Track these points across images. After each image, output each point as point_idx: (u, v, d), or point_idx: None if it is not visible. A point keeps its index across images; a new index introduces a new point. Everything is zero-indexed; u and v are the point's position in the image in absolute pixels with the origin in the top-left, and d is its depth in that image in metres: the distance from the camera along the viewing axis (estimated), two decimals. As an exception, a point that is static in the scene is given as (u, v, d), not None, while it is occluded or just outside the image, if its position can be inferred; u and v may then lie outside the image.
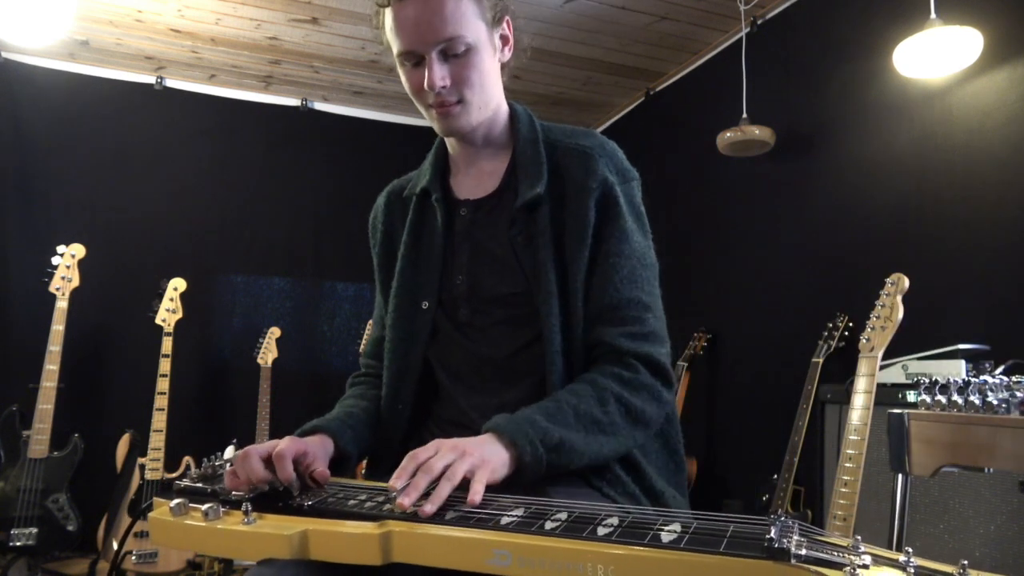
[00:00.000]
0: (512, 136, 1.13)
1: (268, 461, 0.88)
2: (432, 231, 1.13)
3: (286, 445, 0.89)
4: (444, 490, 0.75)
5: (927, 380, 1.13)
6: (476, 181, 1.13)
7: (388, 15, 1.01)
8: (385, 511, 0.75)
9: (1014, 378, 1.06)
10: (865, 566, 0.52)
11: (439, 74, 1.00)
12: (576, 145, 1.08)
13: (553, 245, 1.03)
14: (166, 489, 2.83)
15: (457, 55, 1.00)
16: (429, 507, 0.73)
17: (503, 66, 1.11)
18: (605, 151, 1.08)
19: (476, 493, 0.76)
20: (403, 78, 1.05)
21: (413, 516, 0.73)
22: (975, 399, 1.06)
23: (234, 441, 2.96)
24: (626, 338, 1.00)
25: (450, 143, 1.16)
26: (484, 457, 0.82)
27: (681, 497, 1.06)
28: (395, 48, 1.02)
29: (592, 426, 0.92)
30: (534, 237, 1.04)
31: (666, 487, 1.03)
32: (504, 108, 1.13)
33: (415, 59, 1.01)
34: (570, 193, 1.04)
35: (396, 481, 0.77)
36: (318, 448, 0.97)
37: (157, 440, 2.86)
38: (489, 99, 1.06)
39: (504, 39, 1.09)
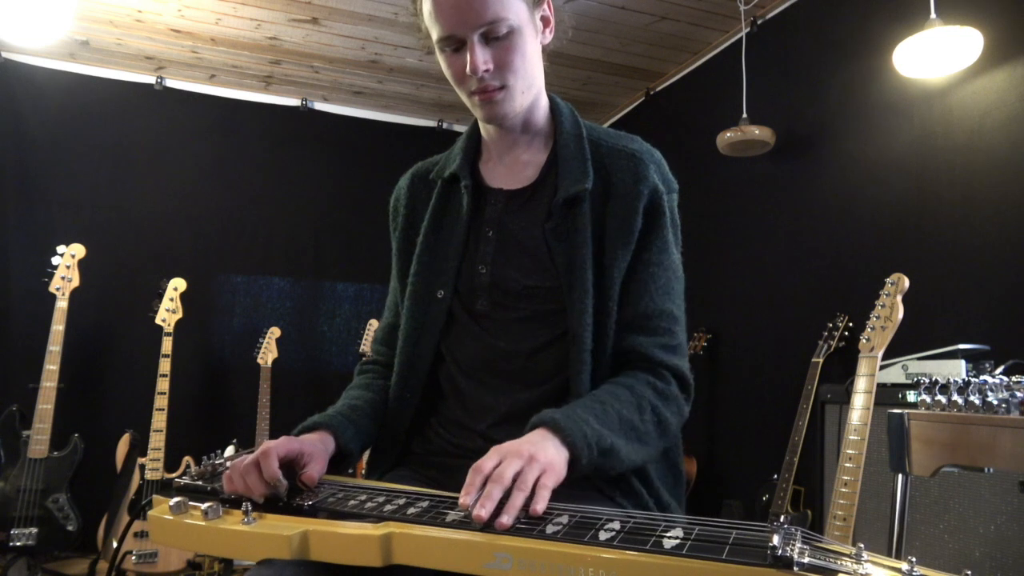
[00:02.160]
0: (553, 128, 1.10)
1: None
2: (456, 218, 1.10)
3: (276, 443, 0.88)
4: (518, 500, 0.72)
5: (927, 380, 1.13)
6: (510, 170, 1.10)
7: (426, 0, 0.98)
8: (416, 517, 0.73)
9: (1014, 378, 1.06)
10: (868, 574, 0.51)
11: (481, 58, 0.96)
12: (624, 147, 1.06)
13: (592, 243, 1.00)
14: (166, 488, 2.82)
15: (499, 38, 0.97)
16: (506, 519, 0.69)
17: (543, 49, 1.08)
18: (653, 158, 1.06)
19: (542, 500, 0.73)
20: (444, 65, 1.02)
21: (418, 517, 0.72)
22: (975, 399, 1.06)
23: (234, 441, 2.97)
24: (659, 349, 1.00)
25: (486, 129, 1.12)
26: (550, 461, 0.79)
27: (680, 509, 1.05)
28: (435, 34, 0.99)
29: (631, 433, 0.92)
30: (571, 233, 1.01)
31: (671, 500, 1.03)
32: (545, 96, 1.10)
33: (456, 44, 0.98)
34: (616, 195, 1.02)
35: (466, 497, 0.73)
36: (317, 446, 0.95)
37: (157, 440, 2.86)
38: (532, 83, 1.04)
39: (545, 20, 1.05)
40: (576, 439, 0.83)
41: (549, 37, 1.07)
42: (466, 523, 0.70)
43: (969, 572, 0.51)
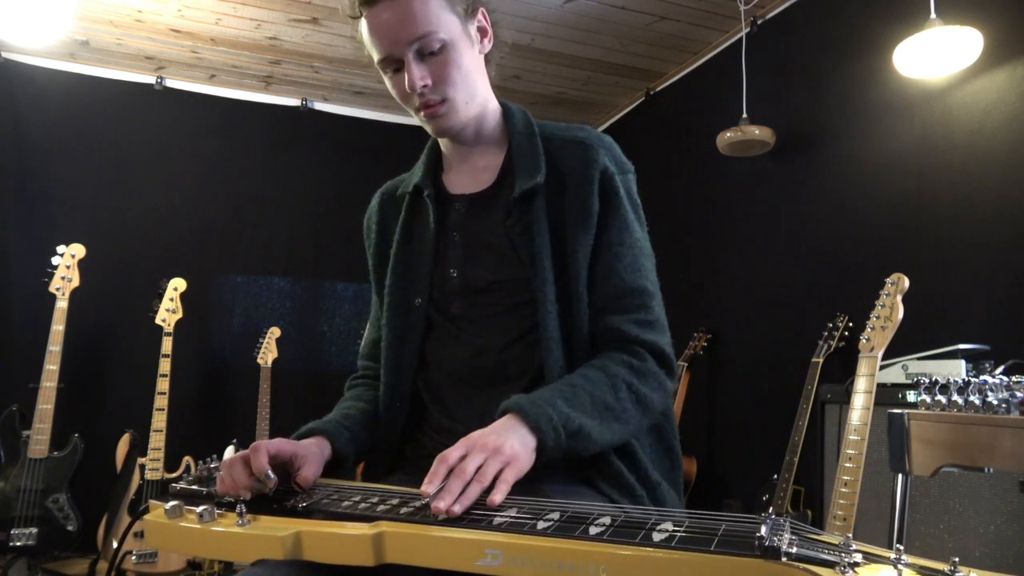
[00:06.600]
0: (506, 132, 1.13)
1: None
2: (424, 227, 1.13)
3: (269, 441, 0.90)
4: (473, 492, 0.75)
5: (927, 380, 1.13)
6: (470, 177, 1.13)
7: (364, 26, 1.01)
8: (409, 516, 0.74)
9: (1014, 378, 1.05)
10: (856, 564, 0.52)
11: (418, 74, 0.99)
12: (573, 137, 1.08)
13: (550, 233, 1.03)
14: (165, 491, 2.82)
15: (433, 53, 0.99)
16: (458, 508, 0.73)
17: (486, 59, 1.10)
18: (603, 143, 1.09)
19: (500, 493, 0.75)
20: (389, 86, 1.05)
21: (411, 516, 0.73)
22: (975, 399, 1.05)
23: (234, 441, 2.96)
24: (634, 325, 1.01)
25: (443, 141, 1.16)
26: (514, 453, 0.81)
27: (676, 494, 1.05)
28: (375, 57, 1.02)
29: (606, 413, 0.93)
30: (531, 226, 1.04)
31: (661, 479, 1.02)
32: (494, 104, 1.13)
33: (395, 64, 1.01)
34: (570, 183, 1.04)
35: (428, 486, 0.76)
36: (312, 449, 0.97)
37: (157, 440, 2.87)
38: (474, 94, 1.06)
39: (482, 31, 1.07)
40: (542, 423, 0.85)
41: (488, 47, 1.09)
42: (459, 520, 0.70)
43: (956, 559, 0.51)
